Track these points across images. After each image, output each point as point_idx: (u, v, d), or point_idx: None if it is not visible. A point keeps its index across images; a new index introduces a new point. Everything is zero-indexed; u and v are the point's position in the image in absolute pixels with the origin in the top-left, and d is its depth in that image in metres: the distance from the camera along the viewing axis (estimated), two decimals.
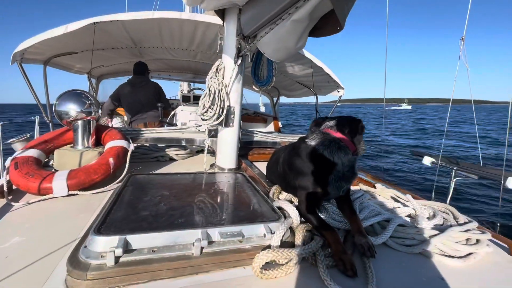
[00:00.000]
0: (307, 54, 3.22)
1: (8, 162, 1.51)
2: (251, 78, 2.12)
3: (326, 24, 1.34)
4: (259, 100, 6.08)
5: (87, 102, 1.76)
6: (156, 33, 3.09)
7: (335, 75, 3.66)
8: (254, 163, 2.37)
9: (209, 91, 1.90)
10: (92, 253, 0.85)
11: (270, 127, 5.86)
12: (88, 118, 1.78)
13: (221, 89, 1.89)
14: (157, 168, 2.11)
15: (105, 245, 0.85)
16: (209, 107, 1.92)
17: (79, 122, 1.75)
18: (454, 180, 2.54)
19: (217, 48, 2.02)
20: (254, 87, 2.63)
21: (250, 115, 6.04)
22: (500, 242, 1.31)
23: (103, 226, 0.94)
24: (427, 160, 2.85)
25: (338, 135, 1.25)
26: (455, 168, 2.50)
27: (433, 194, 2.86)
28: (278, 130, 5.67)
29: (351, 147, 1.24)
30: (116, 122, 4.57)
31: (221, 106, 1.91)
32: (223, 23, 1.95)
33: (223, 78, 1.94)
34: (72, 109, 1.71)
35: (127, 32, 2.99)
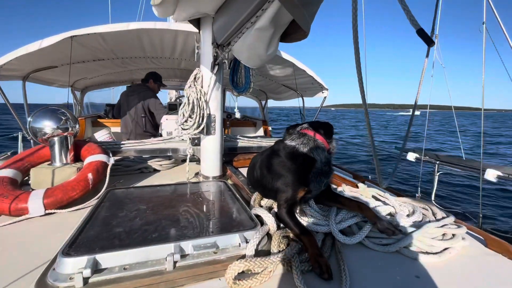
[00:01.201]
0: (288, 57, 3.25)
1: None
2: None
3: (296, 30, 1.36)
4: (235, 105, 6.07)
5: (63, 118, 1.73)
6: (136, 44, 3.07)
7: (319, 77, 3.70)
8: (239, 169, 2.37)
9: (188, 100, 1.90)
10: (60, 276, 0.83)
11: (260, 131, 5.87)
12: (65, 134, 1.75)
13: (200, 97, 1.89)
14: (140, 181, 2.09)
15: (74, 266, 0.84)
16: (189, 116, 1.92)
17: (56, 139, 1.72)
18: (438, 174, 2.59)
19: (195, 57, 2.03)
20: (232, 93, 2.64)
21: (239, 120, 6.04)
22: (477, 234, 1.34)
23: (72, 246, 0.92)
24: (411, 156, 2.89)
25: (315, 135, 1.35)
26: (437, 162, 2.55)
27: (419, 189, 2.91)
28: (268, 133, 5.69)
29: (326, 145, 1.36)
30: (102, 135, 4.51)
31: (201, 114, 1.90)
32: (199, 31, 1.96)
33: (201, 87, 1.95)
34: (47, 126, 1.68)
35: (107, 44, 2.96)
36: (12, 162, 1.67)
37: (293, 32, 1.42)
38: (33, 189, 1.58)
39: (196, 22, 1.94)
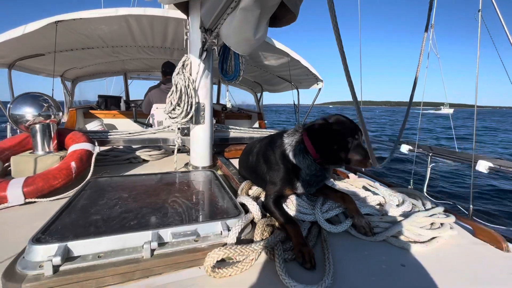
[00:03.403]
0: (283, 47, 3.19)
1: None
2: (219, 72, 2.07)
3: (286, 13, 1.31)
4: (226, 95, 5.92)
5: (45, 104, 1.67)
6: (126, 32, 2.98)
7: (313, 68, 3.65)
8: (230, 159, 2.33)
9: (176, 87, 1.84)
10: (30, 264, 0.79)
11: (255, 123, 5.82)
12: (47, 121, 1.69)
13: (188, 85, 1.84)
14: (127, 171, 2.04)
15: (43, 254, 0.80)
16: (177, 104, 1.86)
17: (37, 126, 1.66)
18: (431, 166, 2.58)
19: (184, 44, 1.96)
20: (221, 82, 2.58)
21: (234, 112, 5.98)
22: (465, 224, 1.32)
23: (45, 234, 0.88)
24: (404, 148, 2.88)
25: (304, 139, 1.23)
26: (430, 154, 2.53)
27: (412, 181, 2.90)
28: (263, 126, 5.64)
29: (313, 154, 1.20)
30: (94, 126, 4.43)
31: (189, 103, 1.85)
32: (188, 17, 1.89)
33: (190, 74, 1.89)
34: (28, 112, 1.62)
35: (95, 31, 2.87)
36: None
37: (283, 16, 1.36)
38: (14, 178, 1.52)
39: (185, 8, 1.87)
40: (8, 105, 1.63)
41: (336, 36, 0.60)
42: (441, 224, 1.22)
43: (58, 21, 2.31)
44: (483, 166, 1.98)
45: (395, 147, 1.34)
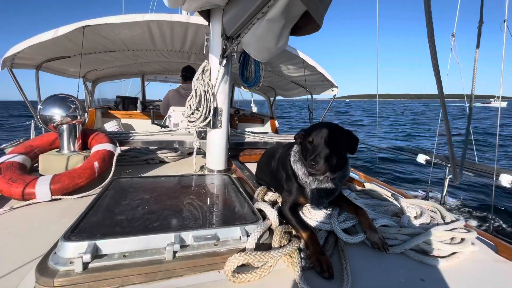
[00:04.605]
0: (299, 53, 3.20)
1: None
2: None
3: (307, 22, 1.33)
4: (251, 100, 5.97)
5: (72, 106, 1.76)
6: (147, 36, 3.08)
7: (329, 74, 3.64)
8: (245, 164, 2.36)
9: (196, 92, 1.89)
10: (61, 260, 0.84)
11: (267, 127, 5.84)
12: (74, 122, 1.77)
13: (207, 90, 1.88)
14: (146, 171, 2.11)
15: (74, 251, 0.84)
16: (196, 108, 1.91)
17: (64, 126, 1.75)
18: (448, 177, 2.51)
19: (204, 50, 2.02)
20: (242, 88, 2.62)
21: (247, 116, 6.03)
22: (488, 240, 1.28)
23: (74, 231, 0.93)
24: (421, 158, 2.82)
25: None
26: (449, 165, 2.47)
27: (428, 192, 2.83)
28: (275, 130, 5.65)
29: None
30: (112, 126, 4.57)
31: (208, 107, 1.89)
32: (209, 24, 1.94)
33: (209, 80, 1.93)
34: (56, 113, 1.71)
35: (118, 36, 2.99)
36: (21, 148, 1.71)
37: (305, 25, 1.38)
38: (41, 175, 1.60)
39: (206, 14, 1.92)
40: (38, 106, 1.73)
41: (428, 35, 0.58)
42: (462, 239, 1.19)
43: (85, 26, 2.42)
44: (506, 180, 1.91)
45: (466, 146, 1.22)
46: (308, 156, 1.10)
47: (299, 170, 1.22)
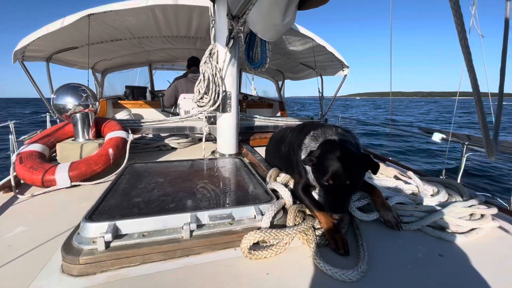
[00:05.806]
0: (307, 32, 3.09)
1: (13, 157, 1.56)
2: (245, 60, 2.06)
3: None
4: (252, 83, 5.85)
5: (84, 95, 1.78)
6: (152, 22, 3.04)
7: (339, 53, 3.51)
8: (255, 148, 2.36)
9: (204, 76, 1.87)
10: (84, 239, 0.87)
11: (277, 112, 5.78)
12: (86, 110, 1.80)
13: (215, 73, 1.86)
14: (158, 157, 2.14)
15: (96, 231, 0.87)
16: (204, 93, 1.90)
17: (78, 115, 1.78)
18: (466, 156, 2.43)
19: (210, 32, 1.97)
20: (248, 69, 2.57)
21: (255, 101, 5.97)
22: (508, 216, 1.25)
23: (95, 213, 0.96)
24: (436, 137, 2.73)
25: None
26: (466, 143, 2.38)
27: (444, 171, 2.76)
28: (284, 116, 5.59)
29: None
30: (123, 116, 4.64)
31: (216, 91, 1.88)
32: (214, 5, 1.89)
33: (217, 63, 1.90)
34: (69, 102, 1.73)
35: (123, 23, 2.96)
36: (39, 138, 1.76)
37: None
38: (59, 163, 1.66)
39: None
40: (52, 96, 1.76)
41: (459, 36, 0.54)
42: (482, 215, 1.16)
43: (90, 14, 2.41)
44: None
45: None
46: (327, 201, 1.02)
47: (310, 173, 1.18)
